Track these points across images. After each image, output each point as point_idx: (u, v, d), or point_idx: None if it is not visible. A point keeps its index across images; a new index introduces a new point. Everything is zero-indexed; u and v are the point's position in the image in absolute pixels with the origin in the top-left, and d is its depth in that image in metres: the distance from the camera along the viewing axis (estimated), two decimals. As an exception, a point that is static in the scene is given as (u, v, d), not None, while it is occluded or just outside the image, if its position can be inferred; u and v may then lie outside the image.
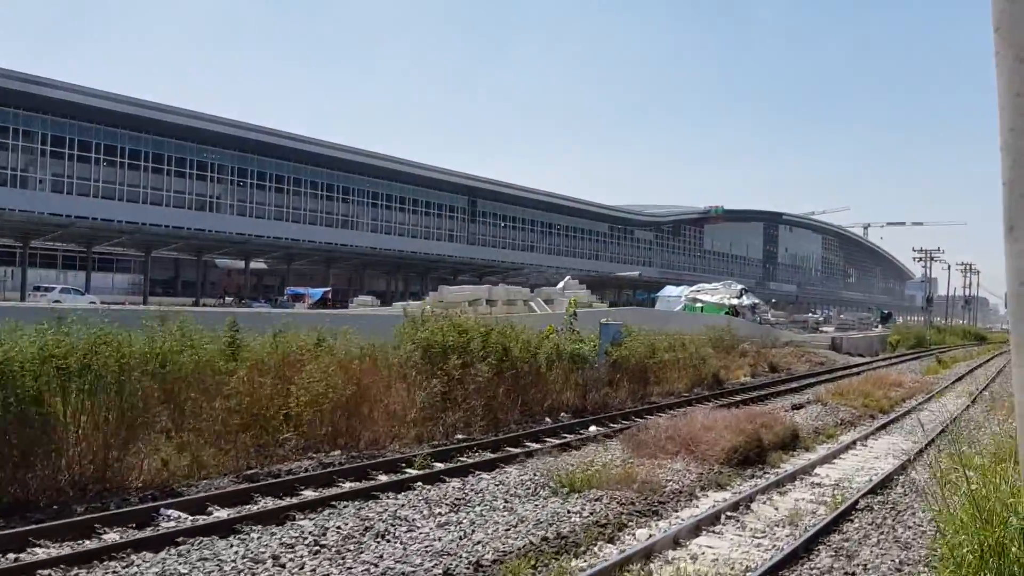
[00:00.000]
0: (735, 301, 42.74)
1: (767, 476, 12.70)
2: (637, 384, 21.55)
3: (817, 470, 13.34)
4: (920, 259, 74.74)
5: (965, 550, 5.84)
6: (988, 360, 50.16)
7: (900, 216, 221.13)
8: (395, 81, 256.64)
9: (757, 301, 44.63)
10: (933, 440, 17.36)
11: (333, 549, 8.07)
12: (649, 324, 29.65)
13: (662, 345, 25.36)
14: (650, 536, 8.99)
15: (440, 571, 7.54)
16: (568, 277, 37.75)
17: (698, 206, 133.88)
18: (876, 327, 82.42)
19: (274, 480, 10.80)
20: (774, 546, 8.87)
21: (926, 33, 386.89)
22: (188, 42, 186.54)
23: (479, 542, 8.49)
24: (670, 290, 47.20)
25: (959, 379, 34.93)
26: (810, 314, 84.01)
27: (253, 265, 68.37)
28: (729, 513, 10.14)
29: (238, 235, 64.90)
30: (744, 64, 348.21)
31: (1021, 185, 1.50)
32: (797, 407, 20.50)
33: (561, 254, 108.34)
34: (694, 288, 46.21)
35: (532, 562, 7.77)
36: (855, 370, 35.28)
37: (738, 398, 23.04)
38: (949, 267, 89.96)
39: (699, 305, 43.70)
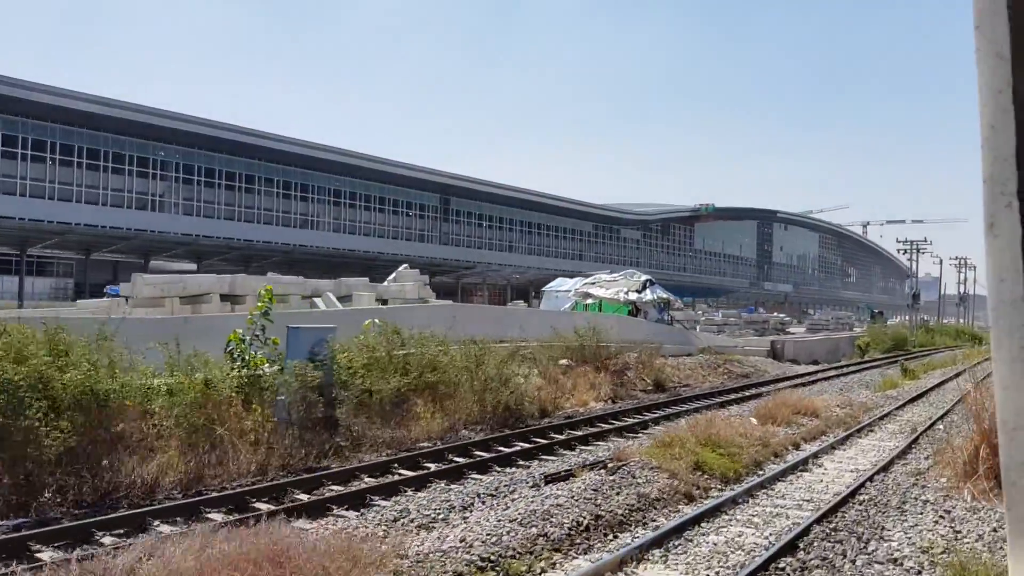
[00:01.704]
0: (634, 296, 31.80)
1: None
2: (314, 432, 11.87)
3: None
4: (905, 251, 63.45)
5: None
6: (972, 366, 39.32)
7: (900, 214, 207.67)
8: (395, 86, 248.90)
9: (667, 296, 33.66)
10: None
11: None
12: (483, 328, 19.93)
13: (455, 361, 15.79)
14: None
15: None
16: (404, 266, 27.56)
17: (688, 204, 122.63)
18: (865, 325, 71.43)
19: None
20: None
21: (920, 31, 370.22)
22: (174, 53, 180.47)
23: None
24: (560, 283, 35.76)
25: (918, 397, 24.71)
26: (774, 314, 72.30)
27: (186, 265, 59.84)
28: None
29: (119, 229, 56.09)
30: (739, 65, 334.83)
31: (1000, 182, 1.32)
32: (553, 478, 10.61)
33: (542, 254, 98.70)
34: (588, 280, 34.64)
35: None
36: (781, 386, 25.15)
37: (498, 453, 13.24)
38: (941, 261, 78.18)
39: (591, 302, 32.92)
